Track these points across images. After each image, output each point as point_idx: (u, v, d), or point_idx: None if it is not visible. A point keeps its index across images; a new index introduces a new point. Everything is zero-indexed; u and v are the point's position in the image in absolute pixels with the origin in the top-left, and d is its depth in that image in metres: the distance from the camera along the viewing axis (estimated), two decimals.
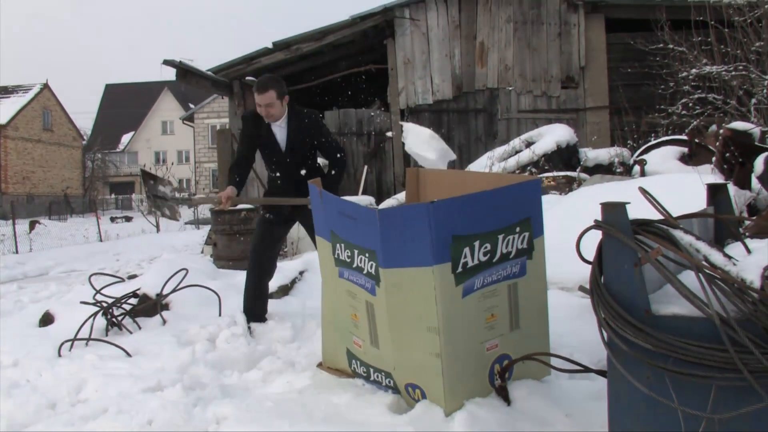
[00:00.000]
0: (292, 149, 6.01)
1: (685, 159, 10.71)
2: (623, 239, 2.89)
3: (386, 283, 3.82)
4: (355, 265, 4.09)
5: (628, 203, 2.99)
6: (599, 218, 3.03)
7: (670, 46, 13.90)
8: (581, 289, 3.72)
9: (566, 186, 10.29)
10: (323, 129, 6.21)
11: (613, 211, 2.97)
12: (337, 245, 4.27)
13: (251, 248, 6.28)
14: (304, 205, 5.85)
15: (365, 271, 3.99)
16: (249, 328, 6.03)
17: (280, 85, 5.86)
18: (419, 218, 3.57)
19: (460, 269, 3.65)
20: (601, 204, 3.04)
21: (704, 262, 2.80)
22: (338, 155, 6.19)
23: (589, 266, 3.19)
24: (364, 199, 13.36)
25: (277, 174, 6.18)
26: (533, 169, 11.59)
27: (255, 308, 6.24)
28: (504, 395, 3.85)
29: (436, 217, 3.54)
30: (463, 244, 3.65)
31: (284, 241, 6.99)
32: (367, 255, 3.94)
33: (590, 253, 3.23)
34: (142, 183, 5.53)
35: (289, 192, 6.06)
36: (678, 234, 2.95)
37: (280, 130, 6.01)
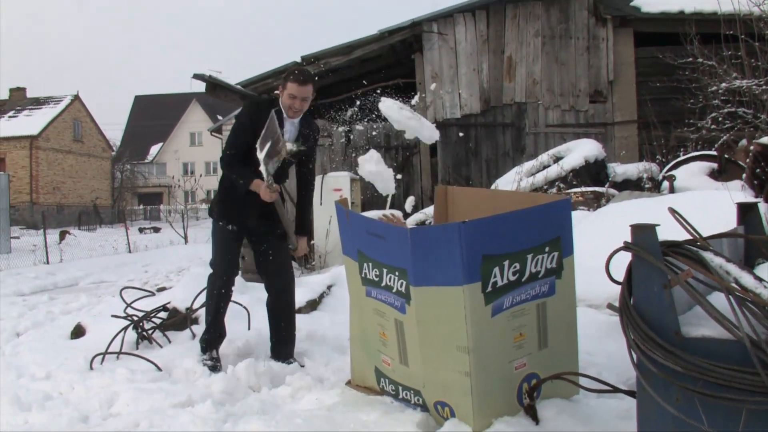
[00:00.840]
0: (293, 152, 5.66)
1: (715, 175, 10.68)
2: (653, 261, 2.90)
3: (416, 301, 3.84)
4: (383, 284, 4.11)
5: (658, 225, 2.99)
6: (628, 238, 3.04)
7: (700, 60, 13.82)
8: (610, 306, 3.73)
9: (594, 201, 10.26)
10: (316, 145, 6.06)
11: (643, 233, 2.97)
12: (365, 264, 4.29)
13: (215, 269, 5.77)
14: (270, 224, 5.65)
15: (395, 290, 4.01)
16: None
17: (314, 82, 5.65)
18: (450, 238, 3.59)
19: (489, 288, 3.66)
20: (630, 226, 3.05)
21: (735, 285, 2.80)
22: (312, 178, 6.00)
23: (618, 286, 3.20)
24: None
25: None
26: (561, 185, 11.56)
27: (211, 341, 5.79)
28: (532, 414, 3.85)
29: (467, 236, 3.55)
30: (493, 264, 3.66)
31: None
32: (396, 273, 3.96)
33: (619, 272, 3.24)
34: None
35: (255, 203, 5.54)
36: (708, 256, 2.95)
37: (292, 129, 5.64)
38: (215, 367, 5.55)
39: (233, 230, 5.70)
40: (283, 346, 5.76)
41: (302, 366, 5.49)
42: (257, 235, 5.80)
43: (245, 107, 5.98)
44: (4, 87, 56.16)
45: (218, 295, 5.72)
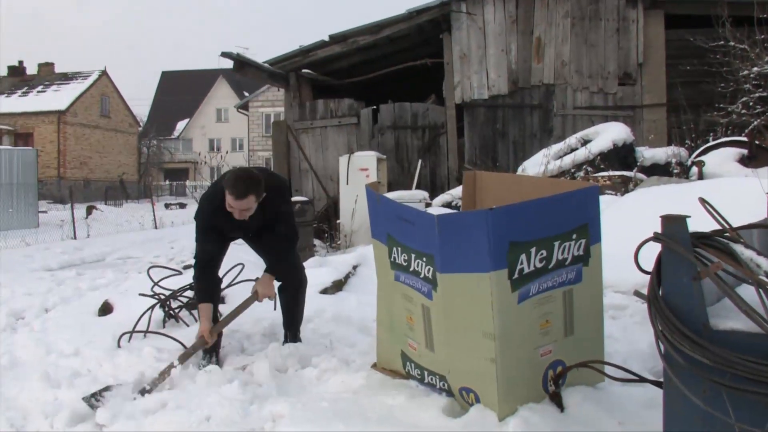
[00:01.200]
0: (262, 227, 5.47)
1: (745, 161, 10.57)
2: (683, 253, 2.89)
3: (443, 287, 3.85)
4: (411, 269, 4.12)
5: (689, 217, 2.98)
6: (657, 225, 3.02)
7: (731, 43, 13.70)
8: (636, 293, 3.71)
9: (622, 186, 10.22)
10: (286, 197, 5.67)
11: (674, 225, 2.96)
12: (394, 249, 4.30)
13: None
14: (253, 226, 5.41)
15: (422, 275, 4.02)
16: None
17: (258, 188, 5.10)
18: (477, 225, 3.59)
19: (516, 275, 3.66)
20: (661, 217, 3.03)
21: (765, 278, 2.79)
22: (293, 234, 5.61)
23: (647, 275, 3.19)
24: (417, 194, 13.39)
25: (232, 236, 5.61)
26: (589, 168, 11.51)
27: None
28: (557, 401, 3.86)
29: (494, 223, 3.55)
30: (520, 251, 3.66)
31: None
32: (424, 259, 3.97)
33: (648, 261, 3.22)
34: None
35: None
36: (738, 248, 2.93)
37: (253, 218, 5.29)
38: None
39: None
40: (285, 328, 5.69)
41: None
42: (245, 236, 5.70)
43: (201, 211, 5.44)
44: (33, 62, 56.30)
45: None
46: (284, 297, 5.63)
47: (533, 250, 3.71)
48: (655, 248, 3.07)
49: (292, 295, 5.62)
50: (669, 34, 16.24)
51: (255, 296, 5.40)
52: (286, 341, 5.55)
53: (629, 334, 5.23)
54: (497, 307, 3.61)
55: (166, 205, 40.97)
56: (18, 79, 53.70)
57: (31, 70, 55.21)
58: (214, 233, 5.35)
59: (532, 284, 3.75)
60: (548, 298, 3.85)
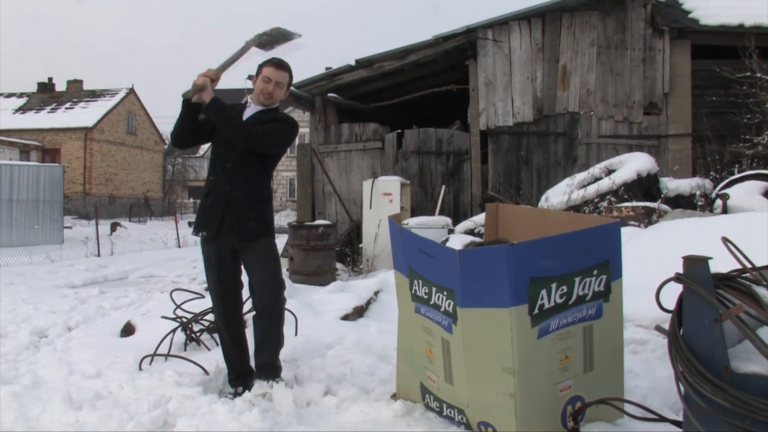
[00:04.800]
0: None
1: None
2: (704, 295, 2.89)
3: (463, 321, 3.86)
4: (432, 302, 4.14)
5: (710, 258, 2.98)
6: (679, 260, 3.03)
7: (758, 74, 13.66)
8: (657, 328, 3.71)
9: (645, 217, 10.17)
10: (286, 124, 5.33)
11: (695, 266, 2.96)
12: (415, 281, 4.32)
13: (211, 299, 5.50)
14: (251, 236, 5.15)
15: (442, 309, 4.04)
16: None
17: (292, 75, 5.37)
18: (498, 260, 3.61)
19: (536, 311, 3.67)
20: (683, 258, 3.04)
21: None
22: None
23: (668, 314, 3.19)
24: (440, 220, 13.38)
25: (212, 178, 5.32)
26: (613, 198, 11.48)
27: (235, 366, 5.40)
28: None
29: (515, 259, 3.56)
30: (541, 286, 3.67)
31: (240, 275, 5.47)
32: (445, 293, 3.99)
33: (670, 295, 3.22)
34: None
35: (216, 207, 5.19)
36: (761, 291, 2.93)
37: (250, 113, 5.31)
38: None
39: (207, 239, 5.28)
40: (257, 356, 5.24)
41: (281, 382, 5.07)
42: (232, 241, 5.22)
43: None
44: (62, 79, 56.84)
45: (223, 326, 5.43)
46: (260, 320, 5.22)
47: (554, 285, 3.72)
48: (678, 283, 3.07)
49: (267, 319, 5.20)
50: (695, 64, 16.17)
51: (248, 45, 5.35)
52: (258, 377, 5.13)
53: (650, 369, 5.20)
54: (517, 343, 3.62)
55: (190, 223, 40.91)
56: (47, 95, 54.29)
57: (60, 86, 55.79)
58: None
59: (552, 320, 3.76)
60: (568, 333, 3.85)
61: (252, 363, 5.31)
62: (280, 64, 5.26)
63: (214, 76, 5.15)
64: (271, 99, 5.28)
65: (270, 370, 5.11)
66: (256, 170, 5.26)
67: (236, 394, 5.11)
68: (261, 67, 5.28)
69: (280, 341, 5.27)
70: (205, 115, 5.19)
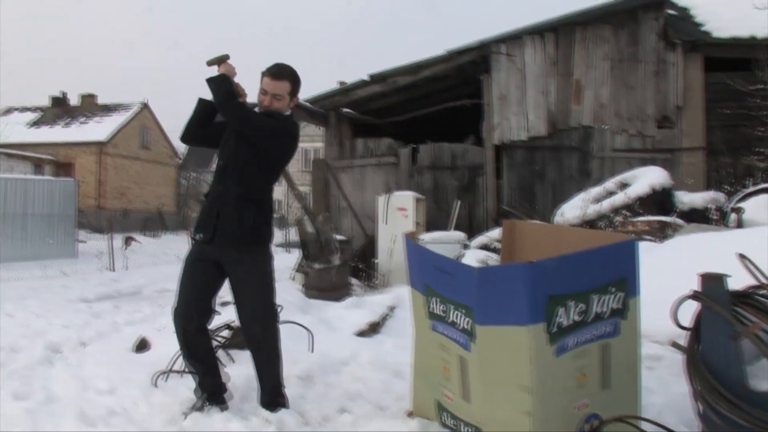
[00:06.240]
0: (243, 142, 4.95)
1: None
2: (721, 312, 2.90)
3: (481, 339, 3.87)
4: (449, 320, 4.15)
5: (729, 276, 2.99)
6: (695, 276, 3.03)
7: None
8: (673, 344, 3.71)
9: (660, 231, 10.17)
10: (285, 125, 5.07)
11: (712, 283, 2.97)
12: (432, 299, 4.33)
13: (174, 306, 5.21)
14: (238, 242, 4.90)
15: (460, 327, 4.04)
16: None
17: (295, 78, 5.01)
18: (516, 278, 3.62)
19: (554, 329, 3.68)
20: (700, 275, 3.05)
21: None
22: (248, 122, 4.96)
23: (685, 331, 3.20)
24: (455, 235, 13.40)
25: (211, 180, 5.20)
26: (627, 213, 11.48)
27: (201, 381, 5.14)
28: None
29: (533, 277, 3.58)
30: (558, 304, 3.68)
31: (217, 290, 5.20)
32: (463, 311, 3.99)
33: (685, 312, 3.23)
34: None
35: (212, 207, 5.02)
36: None
37: None
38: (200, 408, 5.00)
39: (198, 243, 5.09)
40: (260, 388, 5.10)
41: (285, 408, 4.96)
42: (226, 264, 5.01)
43: None
44: (76, 93, 56.98)
45: (182, 341, 5.16)
46: (255, 356, 5.09)
47: (571, 303, 3.72)
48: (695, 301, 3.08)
49: (264, 357, 5.06)
50: (708, 77, 16.15)
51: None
52: (264, 406, 5.00)
53: (665, 385, 5.19)
54: (534, 361, 3.63)
55: None
56: (61, 109, 54.50)
57: (74, 100, 56.04)
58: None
59: (570, 338, 3.76)
60: (585, 351, 3.85)
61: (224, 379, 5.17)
62: (277, 74, 4.95)
63: (235, 73, 5.04)
64: (275, 106, 4.99)
65: (276, 405, 4.97)
66: (251, 171, 4.96)
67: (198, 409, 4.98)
68: (261, 75, 5.02)
69: (280, 372, 5.09)
70: (208, 87, 4.97)
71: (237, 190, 4.92)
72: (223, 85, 4.94)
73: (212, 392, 5.08)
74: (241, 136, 4.95)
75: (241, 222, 4.88)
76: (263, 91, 4.95)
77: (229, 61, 5.06)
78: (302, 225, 12.20)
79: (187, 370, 5.33)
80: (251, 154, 4.92)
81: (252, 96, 5.19)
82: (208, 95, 5.07)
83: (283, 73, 4.94)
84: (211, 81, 4.95)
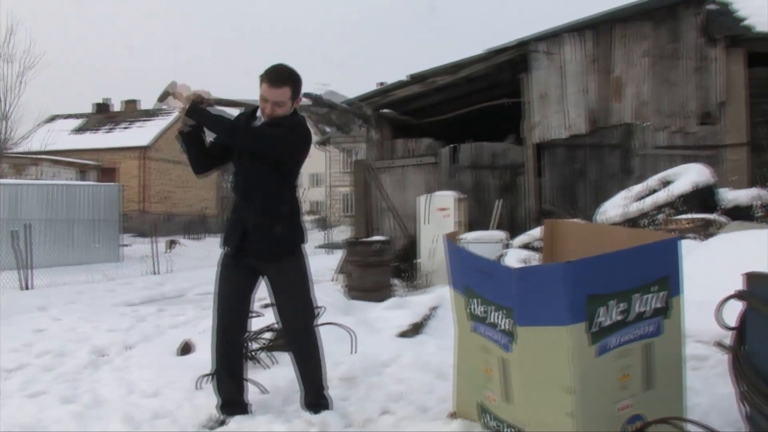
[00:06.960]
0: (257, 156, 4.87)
1: None
2: (767, 313, 2.86)
3: (521, 340, 3.85)
4: (489, 321, 4.13)
5: None
6: (740, 274, 2.99)
7: None
8: (718, 344, 3.67)
9: (703, 229, 10.05)
10: (295, 130, 4.95)
11: (758, 283, 2.93)
12: (472, 300, 4.31)
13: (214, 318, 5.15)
14: (273, 254, 4.91)
15: (500, 328, 4.02)
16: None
17: (296, 82, 4.87)
18: (556, 278, 3.59)
19: (595, 329, 3.64)
20: (744, 274, 3.01)
21: None
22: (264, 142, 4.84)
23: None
24: (497, 234, 13.36)
25: (233, 192, 5.17)
26: (670, 210, 11.36)
27: (222, 389, 5.09)
28: None
29: (573, 276, 3.55)
30: (599, 304, 3.64)
31: (252, 298, 5.26)
32: (503, 312, 3.97)
33: (730, 312, 3.18)
34: None
35: (237, 221, 5.00)
36: None
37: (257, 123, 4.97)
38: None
39: (228, 254, 5.09)
40: (303, 390, 5.10)
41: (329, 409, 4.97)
42: (267, 270, 5.03)
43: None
44: (118, 99, 57.79)
45: (220, 350, 5.10)
46: (295, 356, 5.10)
47: (612, 302, 3.69)
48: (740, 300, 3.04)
49: (302, 356, 5.07)
50: (751, 72, 15.95)
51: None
52: (307, 408, 5.01)
53: (710, 386, 5.13)
54: (576, 361, 3.60)
55: None
56: (104, 116, 55.22)
57: (116, 106, 56.71)
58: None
59: (611, 337, 3.72)
60: (627, 351, 3.81)
61: (246, 397, 5.14)
62: (275, 80, 4.76)
63: (206, 96, 4.97)
64: (272, 119, 4.85)
65: (319, 407, 4.97)
66: (271, 179, 4.90)
67: (221, 423, 4.92)
68: (260, 79, 4.82)
69: (322, 371, 5.08)
70: (192, 119, 4.96)
71: (262, 204, 4.89)
72: (205, 117, 4.92)
73: (233, 401, 5.07)
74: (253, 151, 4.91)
75: (272, 234, 4.87)
76: (263, 98, 4.81)
77: (176, 84, 5.00)
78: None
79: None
80: (268, 167, 4.87)
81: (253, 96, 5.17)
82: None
83: (282, 79, 4.79)
84: (192, 118, 4.95)
